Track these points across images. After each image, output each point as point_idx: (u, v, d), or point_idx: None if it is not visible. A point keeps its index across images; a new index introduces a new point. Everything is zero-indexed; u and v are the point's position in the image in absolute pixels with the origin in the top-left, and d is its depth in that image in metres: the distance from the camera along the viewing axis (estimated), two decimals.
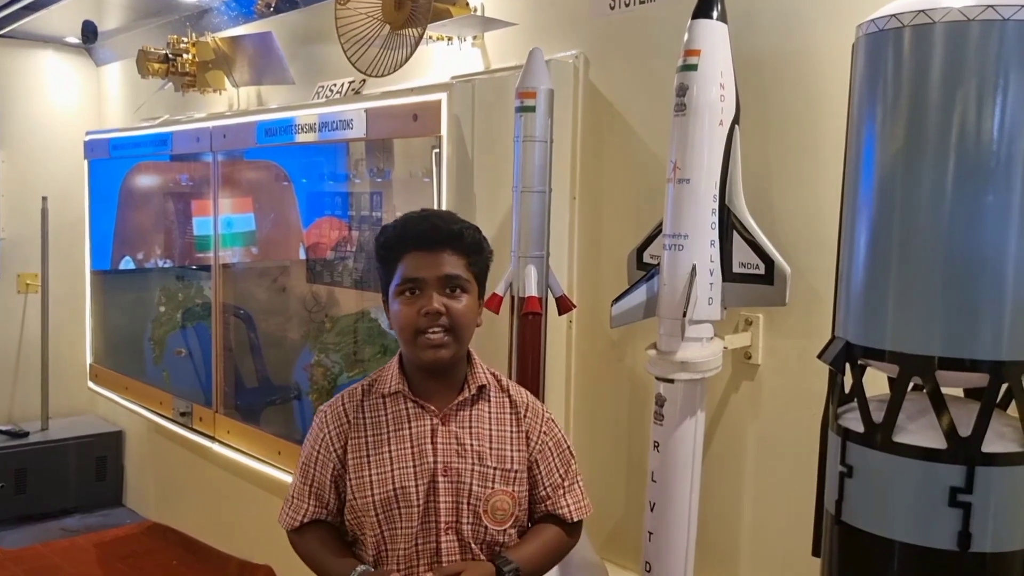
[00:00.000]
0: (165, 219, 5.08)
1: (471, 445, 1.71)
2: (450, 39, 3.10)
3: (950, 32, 1.46)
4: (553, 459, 1.81)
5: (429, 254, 1.68)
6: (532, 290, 2.47)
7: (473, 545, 1.70)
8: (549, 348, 2.59)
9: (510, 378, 2.53)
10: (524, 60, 2.50)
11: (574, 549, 2.52)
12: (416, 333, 1.66)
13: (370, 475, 1.68)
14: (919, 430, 1.54)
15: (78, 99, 5.72)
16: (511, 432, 1.76)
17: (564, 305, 2.56)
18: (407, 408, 1.73)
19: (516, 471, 1.75)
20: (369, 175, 3.80)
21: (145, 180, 5.14)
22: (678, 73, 2.14)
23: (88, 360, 5.12)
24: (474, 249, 1.74)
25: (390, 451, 1.70)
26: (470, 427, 1.73)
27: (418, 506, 1.68)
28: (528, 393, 1.85)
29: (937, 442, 1.50)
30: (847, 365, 1.63)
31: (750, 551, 2.47)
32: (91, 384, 5.07)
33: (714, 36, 2.11)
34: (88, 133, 5.07)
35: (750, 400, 2.45)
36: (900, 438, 1.53)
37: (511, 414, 1.78)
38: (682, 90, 2.12)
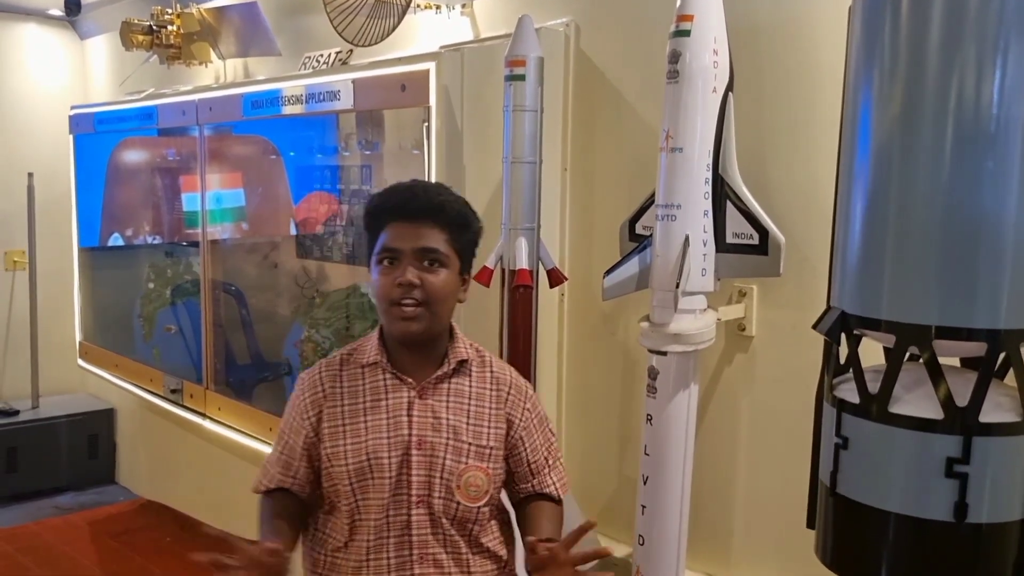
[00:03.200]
0: (153, 195, 5.04)
1: (447, 420, 1.70)
2: (438, 7, 3.04)
3: None
4: (538, 437, 1.80)
5: (409, 225, 1.66)
6: (523, 262, 2.45)
7: (444, 520, 1.69)
8: (540, 321, 2.57)
9: (501, 351, 2.52)
10: (514, 28, 2.45)
11: (568, 523, 2.52)
12: (390, 304, 1.64)
13: (345, 444, 1.68)
14: (915, 400, 1.51)
15: (62, 73, 5.64)
16: (489, 409, 1.74)
17: (555, 277, 2.54)
18: (385, 380, 1.71)
19: (491, 448, 1.73)
20: (359, 148, 3.76)
21: (133, 155, 5.09)
22: (671, 39, 2.10)
23: (78, 338, 5.09)
24: (457, 223, 1.70)
25: (365, 421, 1.69)
26: (447, 401, 1.72)
27: (390, 478, 1.67)
28: (513, 370, 1.83)
29: (934, 412, 1.48)
30: (843, 335, 1.61)
31: (744, 524, 2.47)
32: (81, 362, 5.04)
33: (707, 1, 2.07)
34: (73, 108, 5.01)
35: (744, 372, 2.43)
36: (896, 409, 1.51)
37: (492, 391, 1.76)
38: (675, 56, 2.08)
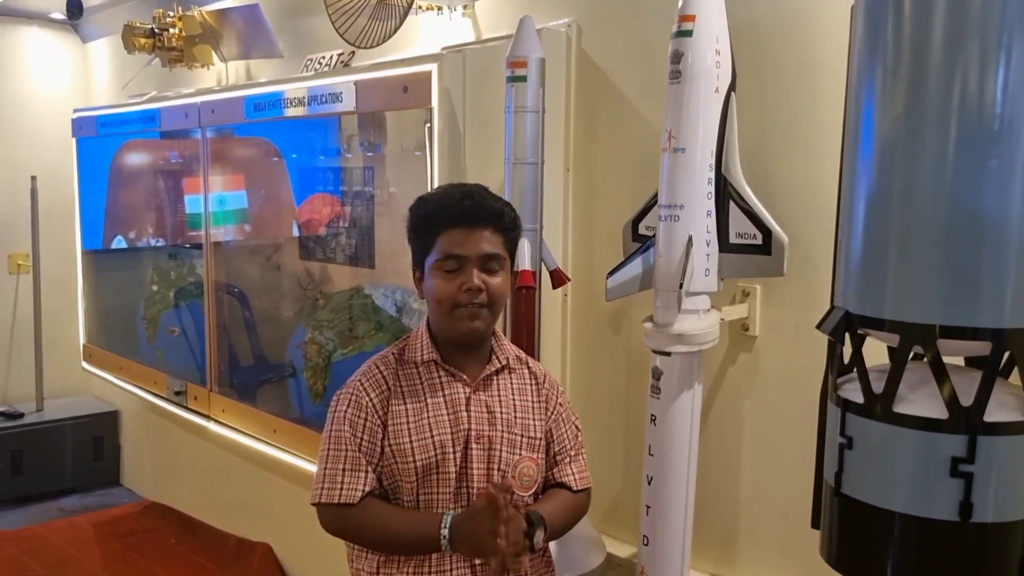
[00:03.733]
0: (156, 197, 5.04)
1: (500, 413, 1.79)
2: (440, 9, 3.04)
3: None
4: (566, 428, 1.91)
5: (471, 231, 1.72)
6: (526, 264, 2.44)
7: None
8: (544, 322, 2.57)
9: None
10: (515, 30, 2.45)
11: None
12: (454, 307, 1.72)
13: (411, 440, 1.72)
14: (920, 400, 1.51)
15: (65, 76, 5.65)
16: (533, 402, 1.85)
17: (558, 278, 2.54)
18: (440, 376, 1.78)
19: (539, 439, 1.84)
20: (361, 149, 3.76)
21: (135, 158, 5.10)
22: (672, 39, 2.10)
23: (82, 340, 5.10)
24: (511, 227, 1.79)
25: (428, 417, 1.74)
26: (498, 396, 1.80)
27: (455, 472, 1.73)
28: (543, 367, 1.94)
29: (938, 412, 1.48)
30: (846, 335, 1.61)
31: (748, 524, 2.46)
32: (85, 364, 5.05)
33: (709, 1, 2.07)
34: (76, 111, 5.02)
35: (748, 372, 2.43)
36: (901, 408, 1.51)
37: (532, 385, 1.87)
38: (677, 56, 2.08)
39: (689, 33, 2.06)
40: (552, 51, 2.57)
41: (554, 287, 2.56)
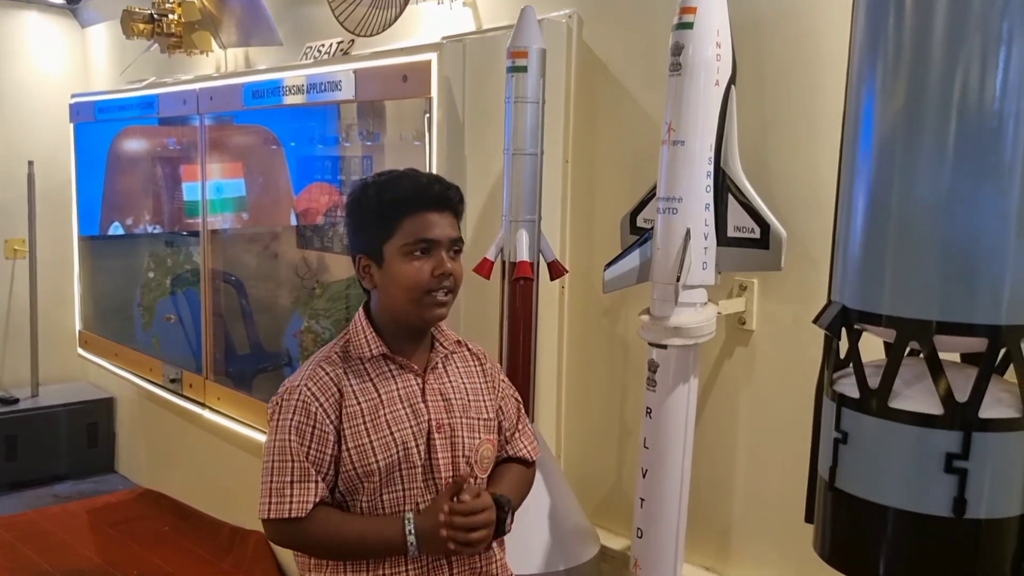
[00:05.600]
0: (154, 184, 5.03)
1: (456, 399, 1.75)
2: None
3: None
4: (511, 405, 1.89)
5: (441, 216, 1.68)
6: (524, 255, 2.44)
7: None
8: (541, 314, 2.57)
9: (501, 344, 2.53)
10: (516, 20, 2.44)
11: (567, 516, 2.53)
12: (425, 293, 1.67)
13: (371, 441, 1.65)
14: (915, 396, 1.51)
15: (63, 61, 5.62)
16: (480, 384, 1.82)
17: (556, 270, 2.53)
18: (390, 369, 1.72)
19: (493, 419, 1.81)
20: (360, 139, 3.75)
21: (133, 144, 5.08)
22: (673, 31, 2.09)
23: (77, 326, 5.09)
24: (462, 212, 1.76)
25: (385, 413, 1.68)
26: (450, 383, 1.77)
27: (420, 465, 1.69)
28: (479, 346, 1.89)
29: (933, 408, 1.48)
30: (843, 330, 1.61)
31: (742, 518, 2.47)
32: (81, 351, 5.04)
33: None
34: (73, 96, 4.99)
35: (744, 366, 2.43)
36: (896, 404, 1.51)
37: (476, 366, 1.84)
38: (677, 49, 2.07)
39: (690, 25, 2.06)
40: (553, 42, 2.57)
41: (552, 279, 2.56)
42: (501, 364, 2.53)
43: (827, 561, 1.67)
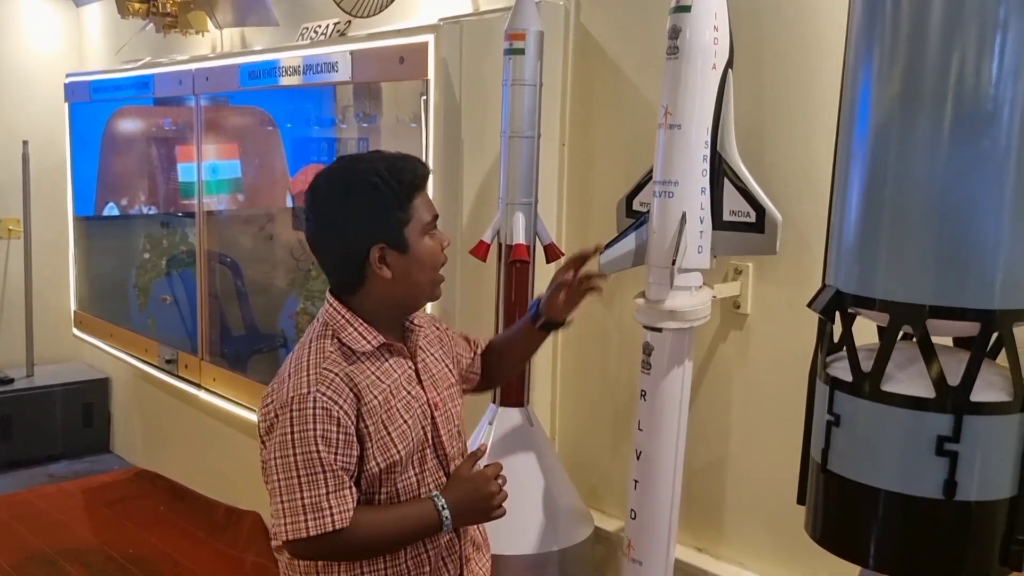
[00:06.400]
0: (149, 165, 5.01)
1: (438, 373, 1.79)
2: None
3: None
4: (461, 340, 1.96)
5: (426, 194, 1.71)
6: (520, 238, 2.45)
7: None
8: (537, 296, 2.57)
9: (496, 326, 2.53)
10: (514, 2, 2.43)
11: (561, 498, 2.54)
12: (438, 269, 1.71)
13: (389, 433, 1.63)
14: (908, 379, 1.52)
15: (58, 40, 5.58)
16: (442, 350, 1.85)
17: (552, 253, 2.54)
18: (386, 358, 1.69)
19: (459, 382, 1.88)
20: (356, 120, 3.74)
21: (129, 125, 5.06)
22: (671, 15, 2.09)
23: (72, 307, 5.08)
24: None
25: (394, 403, 1.66)
26: (431, 358, 1.80)
27: (429, 446, 1.72)
28: (425, 314, 1.89)
29: (925, 391, 1.49)
30: (837, 314, 1.61)
31: (735, 499, 2.49)
32: (76, 331, 5.04)
33: None
34: (68, 76, 4.97)
35: (738, 349, 2.44)
36: (888, 387, 1.52)
37: (434, 334, 1.85)
38: (675, 32, 2.07)
39: (688, 9, 2.05)
40: (550, 24, 2.56)
41: (548, 262, 2.56)
42: None
43: (818, 543, 1.68)
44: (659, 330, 2.18)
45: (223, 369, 3.89)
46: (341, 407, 1.58)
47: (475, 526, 1.82)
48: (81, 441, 5.33)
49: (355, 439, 1.59)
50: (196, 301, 4.07)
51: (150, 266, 4.81)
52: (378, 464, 1.62)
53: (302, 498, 1.55)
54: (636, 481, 2.26)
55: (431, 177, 1.79)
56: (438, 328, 1.89)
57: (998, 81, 1.41)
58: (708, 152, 2.11)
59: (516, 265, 2.46)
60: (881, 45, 1.51)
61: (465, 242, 2.60)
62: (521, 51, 2.40)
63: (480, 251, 2.47)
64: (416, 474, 1.69)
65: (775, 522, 2.35)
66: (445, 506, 1.64)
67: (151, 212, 5.06)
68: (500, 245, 2.50)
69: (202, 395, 3.97)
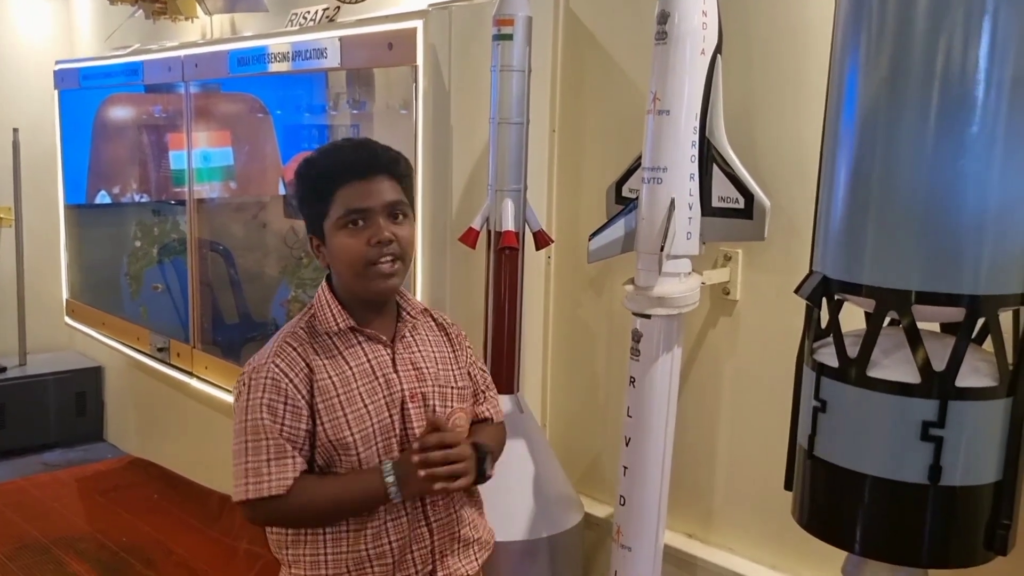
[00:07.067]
0: (140, 152, 4.99)
1: (426, 368, 1.75)
2: None
3: None
4: (478, 371, 1.89)
5: (370, 182, 1.63)
6: (509, 224, 2.44)
7: None
8: (526, 283, 2.57)
9: (486, 313, 2.53)
10: None
11: (551, 484, 2.55)
12: (367, 265, 1.63)
13: (344, 414, 1.64)
14: (894, 365, 1.53)
15: (47, 27, 5.54)
16: (447, 352, 1.81)
17: (541, 240, 2.53)
18: (359, 342, 1.70)
19: (464, 387, 1.81)
20: (348, 107, 3.72)
21: (119, 112, 5.03)
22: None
23: (64, 295, 5.07)
24: (407, 174, 1.72)
25: (358, 386, 1.66)
26: (419, 352, 1.76)
27: (396, 436, 1.69)
28: (445, 314, 1.89)
29: (911, 377, 1.50)
30: (824, 300, 1.62)
31: (724, 485, 2.49)
32: (68, 319, 5.03)
33: None
34: (58, 62, 4.93)
35: (727, 336, 2.44)
36: (874, 373, 1.53)
37: (443, 335, 1.83)
38: (663, 17, 2.06)
39: None
40: (539, 10, 2.54)
41: (537, 248, 2.56)
42: (486, 334, 2.53)
43: (805, 528, 1.69)
44: (648, 317, 2.18)
45: (215, 357, 3.89)
46: (291, 380, 1.63)
47: (468, 523, 1.79)
48: (74, 429, 5.33)
49: (304, 412, 1.63)
50: (188, 289, 4.06)
51: (142, 254, 4.80)
52: (331, 442, 1.64)
53: (246, 463, 1.62)
54: (625, 467, 2.27)
55: (419, 164, 1.74)
56: (448, 333, 1.84)
57: (987, 66, 1.41)
58: (696, 138, 2.10)
59: (505, 252, 2.45)
60: (868, 31, 1.51)
61: (454, 229, 2.59)
62: (509, 37, 2.38)
63: (469, 238, 2.47)
64: (380, 462, 1.66)
65: (764, 508, 2.36)
66: (391, 471, 1.62)
67: (143, 200, 5.04)
68: (489, 232, 2.49)
69: (194, 383, 3.97)
